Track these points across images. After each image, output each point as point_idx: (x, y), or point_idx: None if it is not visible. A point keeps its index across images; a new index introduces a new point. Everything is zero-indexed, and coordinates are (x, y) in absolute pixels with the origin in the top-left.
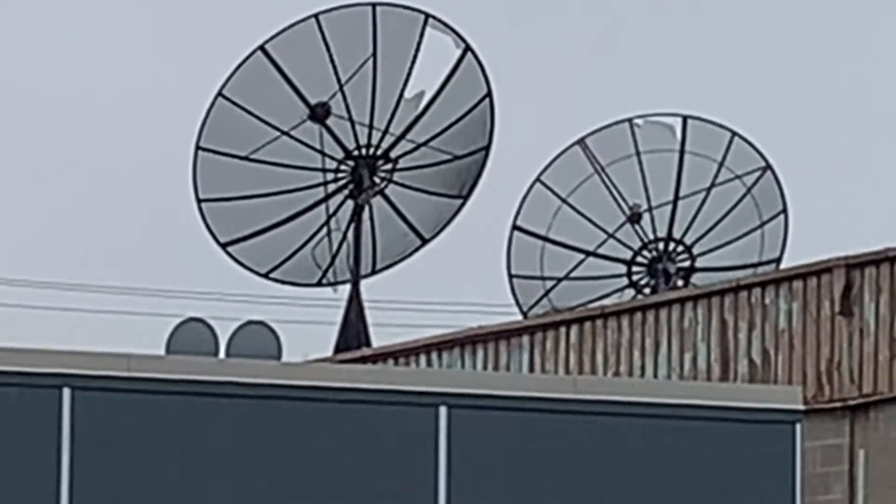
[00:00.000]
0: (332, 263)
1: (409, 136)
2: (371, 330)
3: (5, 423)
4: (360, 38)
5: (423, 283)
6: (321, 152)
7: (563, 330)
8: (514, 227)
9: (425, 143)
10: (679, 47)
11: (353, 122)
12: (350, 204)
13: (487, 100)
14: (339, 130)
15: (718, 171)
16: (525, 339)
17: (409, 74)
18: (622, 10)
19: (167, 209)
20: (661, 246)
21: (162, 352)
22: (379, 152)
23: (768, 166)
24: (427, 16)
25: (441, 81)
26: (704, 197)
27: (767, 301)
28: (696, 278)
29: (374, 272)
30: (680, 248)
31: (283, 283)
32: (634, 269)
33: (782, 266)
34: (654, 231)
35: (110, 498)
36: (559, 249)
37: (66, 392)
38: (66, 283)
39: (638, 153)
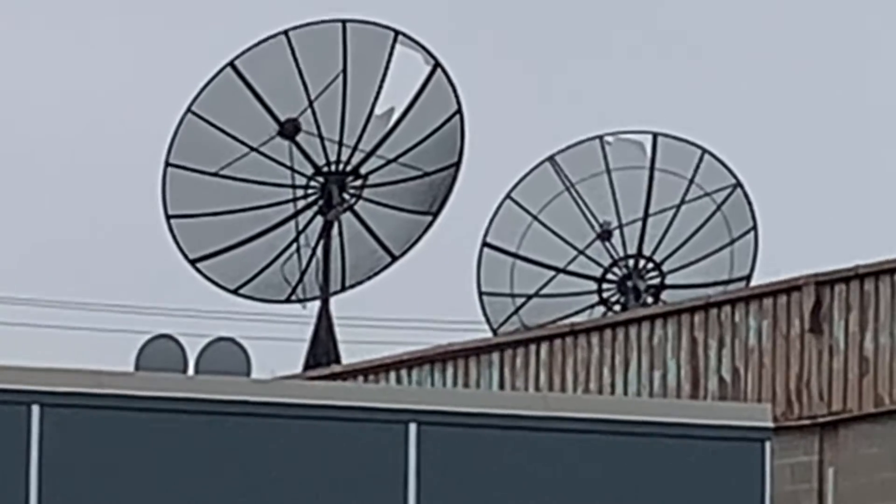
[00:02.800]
0: (301, 280)
1: (378, 153)
2: (341, 347)
3: None
4: (330, 55)
5: (392, 299)
6: (291, 168)
7: (533, 347)
8: (484, 244)
9: (395, 160)
10: (649, 64)
11: (322, 139)
12: (319, 220)
13: (458, 116)
14: (309, 147)
15: (688, 188)
16: (495, 355)
17: (378, 91)
18: (593, 26)
19: (136, 225)
20: (631, 263)
21: (131, 368)
22: (349, 169)
23: (738, 183)
24: (397, 32)
25: (411, 98)
26: (674, 214)
27: (737, 318)
28: (666, 295)
29: (343, 289)
30: (650, 265)
31: (253, 299)
32: (605, 286)
33: (752, 283)
34: (625, 248)
35: None
36: (529, 266)
37: (35, 409)
38: (35, 300)
39: (608, 170)
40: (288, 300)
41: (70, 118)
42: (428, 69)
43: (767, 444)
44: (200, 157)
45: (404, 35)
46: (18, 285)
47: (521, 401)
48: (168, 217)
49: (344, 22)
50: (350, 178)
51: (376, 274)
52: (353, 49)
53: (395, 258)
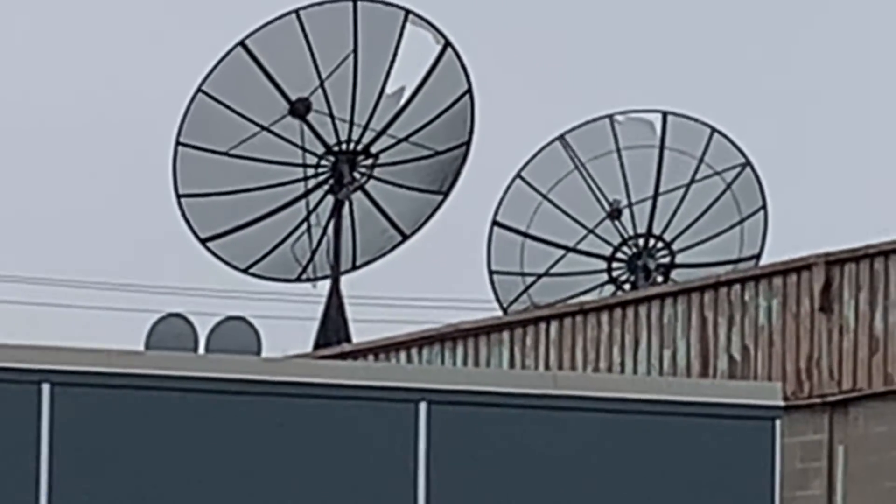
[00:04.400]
0: (311, 259)
1: (389, 132)
2: (351, 325)
3: None
4: (341, 34)
5: (403, 278)
6: (302, 148)
7: (542, 326)
8: (495, 223)
9: (406, 139)
10: (659, 43)
11: (333, 118)
12: (330, 199)
13: (468, 95)
14: (320, 126)
15: (698, 167)
16: (505, 335)
17: (389, 70)
18: (603, 5)
19: (147, 204)
20: (640, 242)
21: (141, 347)
22: (359, 148)
23: (748, 162)
24: (407, 11)
25: (421, 77)
26: (684, 193)
27: (747, 297)
28: (675, 274)
29: (354, 268)
30: (660, 244)
31: (263, 278)
32: (614, 265)
33: (762, 262)
34: (634, 227)
35: (90, 495)
36: (539, 245)
37: (46, 388)
38: (45, 279)
39: (618, 149)
40: (298, 279)
41: (81, 96)
42: (438, 48)
43: (777, 423)
44: (211, 136)
45: (415, 14)
46: (28, 264)
47: (531, 380)
48: (178, 196)
49: (355, 1)
50: (361, 157)
51: (387, 253)
52: (364, 28)
53: (405, 237)
